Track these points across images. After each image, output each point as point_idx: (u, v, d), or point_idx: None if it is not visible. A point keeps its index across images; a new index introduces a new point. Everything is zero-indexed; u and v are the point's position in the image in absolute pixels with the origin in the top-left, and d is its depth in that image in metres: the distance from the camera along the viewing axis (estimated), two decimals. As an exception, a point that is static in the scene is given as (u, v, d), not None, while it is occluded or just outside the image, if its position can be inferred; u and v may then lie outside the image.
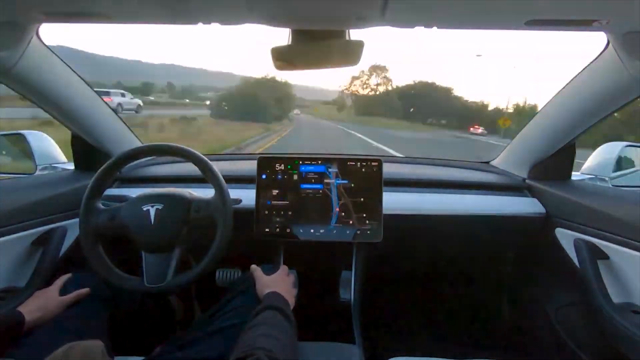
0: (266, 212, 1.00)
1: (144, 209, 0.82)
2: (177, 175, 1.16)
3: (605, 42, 0.76)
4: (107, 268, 0.82)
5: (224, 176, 0.86)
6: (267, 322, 0.62)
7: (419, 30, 0.65)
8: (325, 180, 1.01)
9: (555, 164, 1.09)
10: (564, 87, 0.96)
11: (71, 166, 1.19)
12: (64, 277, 0.80)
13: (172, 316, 1.14)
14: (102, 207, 0.86)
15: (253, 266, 0.82)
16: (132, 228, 0.82)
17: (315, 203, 1.00)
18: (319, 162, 1.01)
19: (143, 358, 0.71)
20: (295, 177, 1.01)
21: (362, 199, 1.00)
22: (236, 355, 0.52)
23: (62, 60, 0.90)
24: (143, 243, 0.82)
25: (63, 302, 0.74)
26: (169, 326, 1.13)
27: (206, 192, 0.90)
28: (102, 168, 0.86)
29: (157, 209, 0.82)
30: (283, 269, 0.84)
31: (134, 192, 0.91)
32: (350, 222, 0.99)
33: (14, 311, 0.68)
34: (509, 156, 1.27)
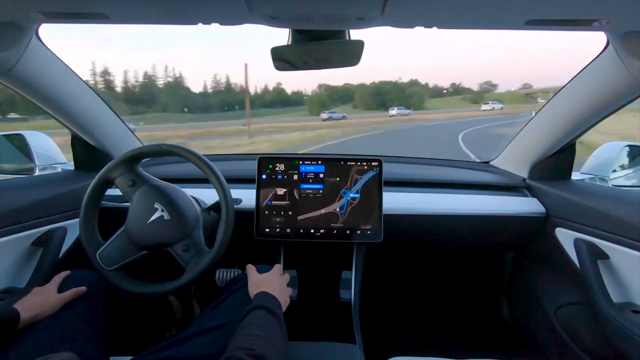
0: (266, 212, 1.00)
1: (155, 206, 0.80)
2: (179, 175, 1.16)
3: (605, 42, 0.76)
4: (93, 243, 0.81)
5: (224, 176, 0.86)
6: (253, 322, 0.62)
7: (419, 30, 0.65)
8: (325, 180, 1.01)
9: (555, 164, 1.09)
10: (564, 87, 0.96)
11: (71, 166, 1.19)
12: (62, 275, 0.79)
13: (172, 316, 1.14)
14: (103, 203, 0.86)
15: (248, 265, 0.82)
16: (131, 212, 0.81)
17: (316, 203, 1.00)
18: (319, 162, 1.01)
19: (133, 357, 0.70)
20: (295, 177, 1.01)
21: (362, 199, 1.00)
22: (221, 359, 0.52)
23: (62, 60, 0.90)
24: (132, 233, 0.80)
25: (60, 299, 0.73)
26: (169, 326, 1.13)
27: (207, 193, 0.90)
28: (104, 167, 0.85)
29: (162, 216, 0.80)
30: (276, 268, 0.83)
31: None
32: (350, 222, 0.99)
33: (9, 308, 0.67)
34: (509, 156, 1.26)
